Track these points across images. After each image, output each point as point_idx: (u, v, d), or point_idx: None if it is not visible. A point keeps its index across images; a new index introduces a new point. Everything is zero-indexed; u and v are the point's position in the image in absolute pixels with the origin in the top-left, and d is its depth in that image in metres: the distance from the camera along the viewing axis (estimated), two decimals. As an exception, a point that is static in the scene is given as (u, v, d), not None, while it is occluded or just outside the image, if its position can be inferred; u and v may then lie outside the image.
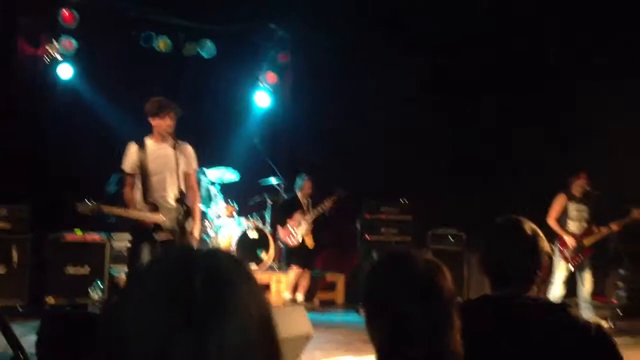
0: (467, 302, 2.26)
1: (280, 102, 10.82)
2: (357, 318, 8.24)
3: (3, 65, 8.78)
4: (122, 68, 9.11)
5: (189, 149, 5.68)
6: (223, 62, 10.03)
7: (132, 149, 5.49)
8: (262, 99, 10.66)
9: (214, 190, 9.42)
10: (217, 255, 0.93)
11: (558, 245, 7.80)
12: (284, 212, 9.07)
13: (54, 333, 4.69)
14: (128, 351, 0.82)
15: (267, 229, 9.37)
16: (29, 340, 4.38)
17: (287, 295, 8.86)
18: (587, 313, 7.85)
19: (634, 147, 8.75)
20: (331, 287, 9.90)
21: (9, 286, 7.38)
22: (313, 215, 8.98)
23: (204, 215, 9.09)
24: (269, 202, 9.61)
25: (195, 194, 5.76)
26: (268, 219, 9.61)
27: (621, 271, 8.95)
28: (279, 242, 9.28)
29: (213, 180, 9.41)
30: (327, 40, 9.84)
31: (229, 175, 9.50)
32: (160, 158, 5.52)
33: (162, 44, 9.59)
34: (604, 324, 7.40)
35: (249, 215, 9.46)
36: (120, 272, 7.84)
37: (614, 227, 7.89)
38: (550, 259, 7.65)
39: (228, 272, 0.89)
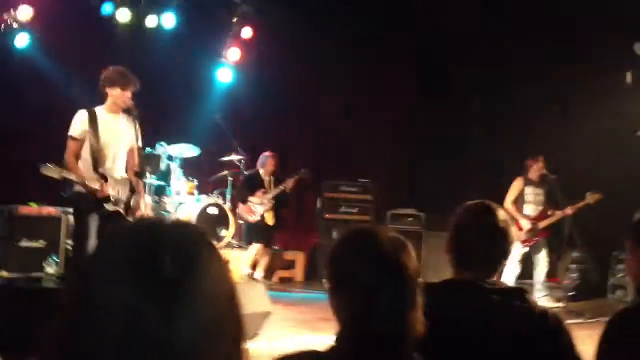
0: (429, 285, 2.26)
1: (243, 78, 10.71)
2: (315, 296, 8.28)
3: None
4: (80, 38, 8.88)
5: (137, 125, 5.54)
6: (185, 36, 9.85)
7: (84, 116, 5.31)
8: (224, 74, 10.54)
9: (174, 166, 9.31)
10: (183, 228, 0.92)
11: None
12: (245, 189, 9.03)
13: (6, 306, 4.61)
14: (96, 325, 0.81)
15: (227, 206, 9.31)
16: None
17: (247, 270, 8.85)
18: (541, 294, 8.07)
19: (591, 133, 8.94)
20: (290, 265, 9.93)
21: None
22: (274, 193, 8.96)
23: (163, 190, 8.98)
24: (230, 179, 9.54)
25: (136, 170, 5.67)
26: (229, 196, 9.55)
27: (574, 254, 9.19)
28: (239, 219, 9.24)
29: (173, 156, 9.29)
30: (291, 15, 9.75)
31: (190, 151, 9.39)
32: (111, 130, 5.39)
33: (122, 14, 9.38)
34: (557, 305, 7.56)
35: (209, 193, 9.39)
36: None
37: (569, 210, 8.09)
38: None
39: (195, 245, 0.88)
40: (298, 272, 9.90)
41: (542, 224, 8.09)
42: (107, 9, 9.25)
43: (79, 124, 5.30)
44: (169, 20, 9.72)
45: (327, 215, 9.93)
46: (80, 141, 5.28)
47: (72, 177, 5.10)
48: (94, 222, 5.14)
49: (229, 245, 9.27)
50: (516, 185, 8.17)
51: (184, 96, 9.92)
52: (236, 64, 10.59)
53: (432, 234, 9.32)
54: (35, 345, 0.85)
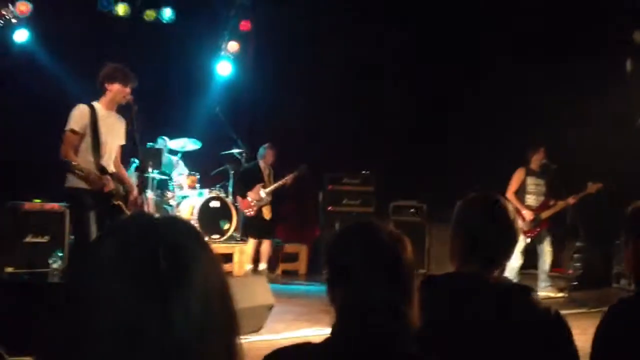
0: (430, 277, 2.22)
1: (242, 71, 10.70)
2: (319, 289, 8.29)
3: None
4: (79, 33, 8.88)
5: (124, 123, 5.58)
6: (183, 30, 9.84)
7: (84, 110, 5.32)
8: (223, 67, 10.53)
9: (175, 160, 9.32)
10: (176, 224, 0.92)
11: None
12: (244, 183, 9.00)
13: (12, 301, 4.62)
14: (92, 321, 0.81)
15: (229, 200, 9.32)
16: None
17: (249, 266, 8.87)
18: (544, 284, 8.08)
19: (593, 121, 8.92)
20: (293, 258, 9.94)
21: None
22: (273, 188, 8.95)
23: (165, 185, 8.99)
24: (231, 172, 9.55)
25: (121, 168, 5.73)
26: (230, 189, 9.56)
27: (577, 243, 9.19)
28: (239, 212, 9.25)
29: (175, 150, 9.31)
30: (289, 7, 9.73)
31: (191, 145, 9.41)
32: (108, 126, 5.43)
33: (121, 8, 9.37)
34: (560, 294, 7.55)
35: (211, 187, 9.40)
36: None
37: (571, 200, 8.08)
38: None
39: (189, 241, 0.89)
40: (301, 265, 9.91)
41: (545, 215, 8.08)
42: (105, 3, 9.24)
43: (79, 117, 5.30)
44: (167, 14, 9.71)
45: (329, 208, 9.93)
46: (80, 135, 5.28)
47: (80, 169, 5.10)
48: (94, 218, 5.15)
49: (231, 238, 9.28)
50: (518, 175, 8.16)
51: (184, 90, 9.92)
52: (235, 57, 10.58)
53: (436, 226, 9.33)
54: (37, 341, 0.86)
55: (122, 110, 5.57)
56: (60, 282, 6.43)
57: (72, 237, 7.56)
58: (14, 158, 8.23)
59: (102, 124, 5.35)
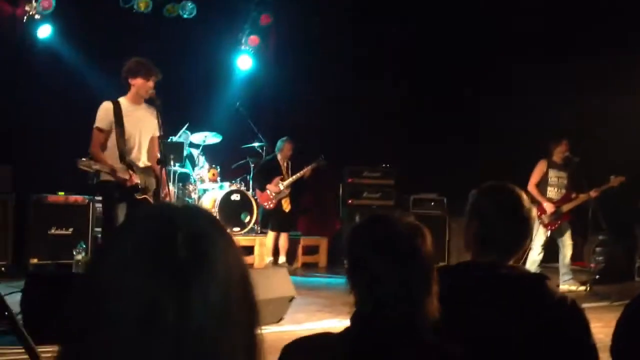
0: (445, 267, 2.21)
1: (263, 65, 10.73)
2: (339, 281, 8.31)
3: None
4: (101, 28, 8.96)
5: (157, 115, 5.59)
6: (204, 24, 9.89)
7: (109, 107, 5.39)
8: (244, 61, 10.57)
9: (197, 154, 9.39)
10: (196, 212, 0.92)
11: (537, 211, 7.89)
12: (263, 176, 9.04)
13: (39, 291, 4.71)
14: (112, 310, 0.81)
15: (250, 193, 9.38)
16: (12, 298, 4.41)
17: (269, 259, 8.93)
18: (566, 277, 8.02)
19: (615, 114, 8.83)
20: (314, 250, 9.98)
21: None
22: (292, 180, 8.98)
23: (186, 178, 9.07)
24: (252, 165, 9.60)
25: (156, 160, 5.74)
26: (251, 182, 9.61)
27: (599, 237, 9.12)
28: (259, 205, 9.30)
29: (196, 144, 9.38)
30: (309, 1, 9.73)
31: (212, 138, 9.46)
32: (135, 119, 5.46)
33: (142, 4, 9.43)
34: (581, 288, 7.49)
35: (232, 180, 9.46)
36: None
37: (593, 193, 8.01)
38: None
39: (208, 230, 0.88)
40: (322, 258, 9.95)
41: (566, 207, 8.01)
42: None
43: (104, 115, 5.38)
44: (187, 8, 9.76)
45: (350, 201, 9.95)
46: (106, 132, 5.37)
47: (104, 168, 5.19)
48: (122, 211, 5.23)
49: (252, 231, 9.34)
50: (539, 167, 8.09)
51: (205, 84, 9.97)
52: (256, 51, 10.61)
53: (456, 219, 9.31)
54: (61, 330, 0.85)
55: (146, 104, 5.62)
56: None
57: (97, 228, 7.69)
58: (38, 152, 8.37)
59: (127, 119, 5.40)
